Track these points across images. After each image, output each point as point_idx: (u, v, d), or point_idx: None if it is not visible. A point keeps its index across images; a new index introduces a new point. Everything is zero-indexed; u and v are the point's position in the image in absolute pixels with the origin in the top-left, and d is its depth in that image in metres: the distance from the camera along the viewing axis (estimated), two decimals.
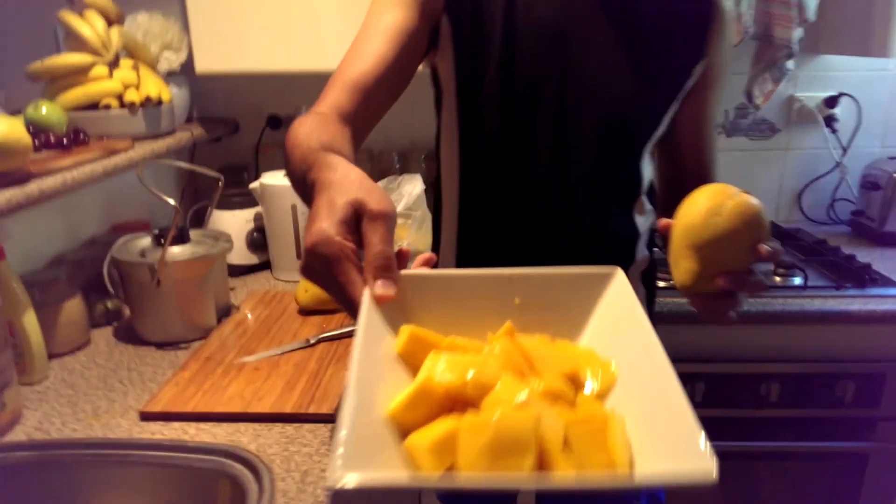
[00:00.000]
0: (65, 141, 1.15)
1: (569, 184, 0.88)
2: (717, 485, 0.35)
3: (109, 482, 0.82)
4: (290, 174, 0.69)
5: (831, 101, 1.72)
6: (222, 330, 1.14)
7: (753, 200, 0.62)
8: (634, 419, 0.43)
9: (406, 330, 0.51)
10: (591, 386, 0.48)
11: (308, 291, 1.19)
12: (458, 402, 0.45)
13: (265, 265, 1.47)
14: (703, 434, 0.38)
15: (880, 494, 1.38)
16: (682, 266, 0.65)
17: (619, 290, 0.54)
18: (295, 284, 1.33)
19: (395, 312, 0.52)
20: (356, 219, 0.52)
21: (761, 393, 1.32)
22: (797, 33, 1.38)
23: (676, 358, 1.22)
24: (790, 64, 1.42)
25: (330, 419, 0.88)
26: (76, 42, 1.34)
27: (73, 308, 1.10)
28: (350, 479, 0.33)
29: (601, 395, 0.48)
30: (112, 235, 1.30)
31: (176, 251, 1.11)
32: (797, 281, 1.38)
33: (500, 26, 0.84)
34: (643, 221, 0.95)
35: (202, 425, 0.87)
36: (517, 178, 0.89)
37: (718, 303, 0.67)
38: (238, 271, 1.45)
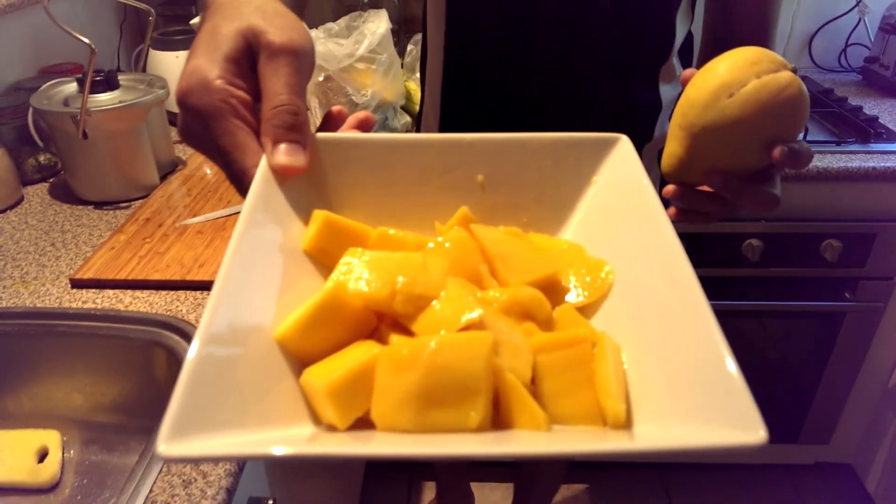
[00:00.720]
0: None
1: (581, 39, 0.72)
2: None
3: (37, 354, 0.77)
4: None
5: None
6: (166, 188, 1.05)
7: (789, 83, 0.46)
8: (635, 347, 0.30)
9: (318, 217, 0.36)
10: (574, 296, 0.35)
11: None
12: (382, 321, 0.32)
13: None
14: (738, 375, 0.25)
15: (853, 353, 1.38)
16: (668, 147, 0.52)
17: (621, 166, 0.38)
18: None
19: (304, 193, 0.37)
20: (250, 56, 0.37)
21: (743, 252, 1.26)
22: None
23: None
24: None
25: None
26: None
27: None
28: (171, 449, 0.22)
29: (589, 311, 0.34)
30: (40, 80, 1.16)
31: (102, 98, 0.98)
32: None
33: None
34: (669, 91, 0.79)
35: (138, 293, 0.81)
36: (517, 28, 0.74)
37: (697, 201, 0.53)
38: None
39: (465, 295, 0.31)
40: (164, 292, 0.81)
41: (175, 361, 0.72)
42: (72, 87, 1.03)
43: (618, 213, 0.37)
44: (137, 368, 0.76)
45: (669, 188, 0.54)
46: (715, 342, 0.25)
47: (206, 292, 0.81)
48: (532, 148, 0.39)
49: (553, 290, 0.34)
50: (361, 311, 0.31)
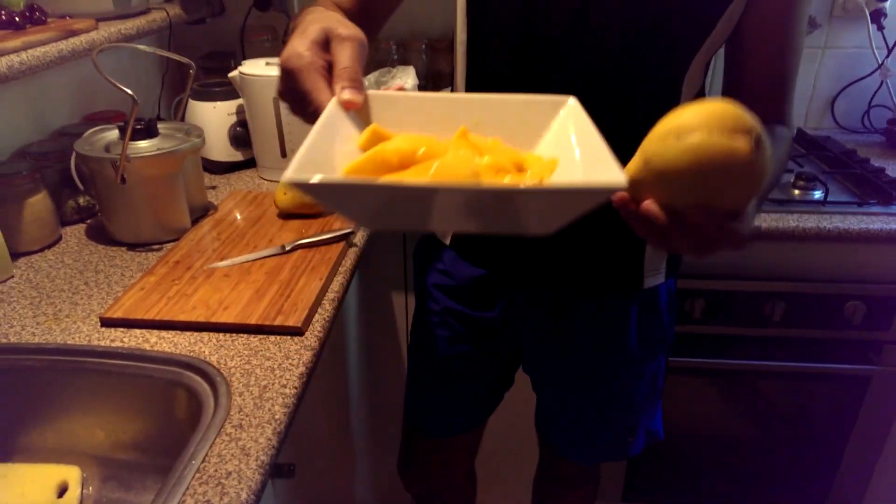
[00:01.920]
0: (17, 19, 1.05)
1: (586, 93, 0.76)
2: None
3: (64, 390, 0.79)
4: None
5: None
6: (196, 232, 1.09)
7: (733, 152, 0.46)
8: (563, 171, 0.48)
9: (369, 128, 0.52)
10: (533, 170, 0.49)
11: (287, 194, 1.12)
12: (407, 166, 0.46)
13: (251, 162, 1.39)
14: (612, 157, 0.43)
15: (879, 418, 1.34)
16: (633, 158, 0.51)
17: (572, 115, 0.52)
18: (278, 184, 1.26)
19: (358, 124, 0.53)
20: (327, 42, 0.55)
21: (765, 312, 1.25)
22: None
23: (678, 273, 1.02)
24: None
25: (297, 332, 0.83)
26: None
27: (39, 204, 1.04)
28: (304, 176, 0.39)
29: (543, 174, 0.49)
30: (84, 126, 1.22)
31: (142, 146, 1.03)
32: (817, 195, 1.27)
33: None
34: None
35: (164, 333, 0.83)
36: (535, 87, 0.77)
37: (632, 221, 0.53)
38: (221, 168, 1.38)
39: (465, 155, 0.47)
40: (188, 333, 0.83)
41: (195, 402, 0.74)
42: (113, 133, 1.08)
43: (568, 144, 0.51)
44: (159, 407, 0.78)
45: (618, 196, 0.51)
46: (606, 153, 0.44)
47: (228, 335, 0.83)
48: (509, 103, 0.55)
49: (520, 168, 0.49)
50: (396, 163, 0.46)
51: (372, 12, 0.82)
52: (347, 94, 0.51)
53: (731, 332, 1.29)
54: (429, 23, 1.61)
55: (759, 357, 1.30)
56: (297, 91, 0.54)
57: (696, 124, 0.47)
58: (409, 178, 0.44)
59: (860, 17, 1.56)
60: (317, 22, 0.56)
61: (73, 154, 1.08)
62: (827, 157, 1.46)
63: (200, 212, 1.15)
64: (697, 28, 0.73)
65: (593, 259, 0.87)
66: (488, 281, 0.93)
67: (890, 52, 1.58)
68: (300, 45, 0.54)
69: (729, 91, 0.80)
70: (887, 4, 1.54)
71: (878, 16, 1.55)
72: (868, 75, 1.62)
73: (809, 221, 1.19)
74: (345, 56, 0.54)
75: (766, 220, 1.19)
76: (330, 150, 0.47)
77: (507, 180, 0.45)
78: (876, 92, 1.64)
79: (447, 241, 0.95)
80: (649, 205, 0.49)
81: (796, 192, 1.30)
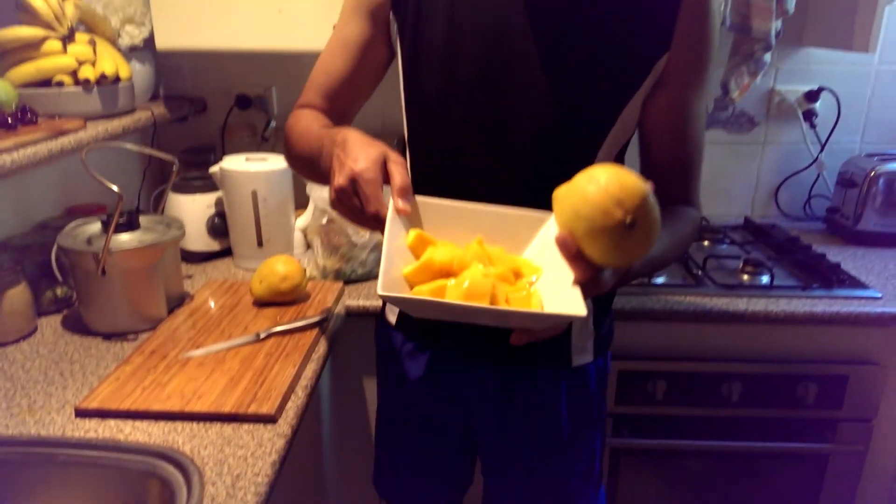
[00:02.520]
0: (10, 120, 1.11)
1: (506, 182, 0.85)
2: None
3: (37, 481, 0.79)
4: (296, 157, 0.90)
5: (812, 96, 1.69)
6: (172, 321, 1.12)
7: (611, 215, 0.61)
8: (548, 294, 0.69)
9: (415, 232, 0.72)
10: (526, 278, 0.72)
11: (263, 282, 1.16)
12: (446, 273, 0.69)
13: (227, 252, 1.44)
14: (580, 295, 0.64)
15: (840, 495, 1.38)
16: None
17: (551, 226, 0.72)
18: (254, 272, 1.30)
19: (404, 223, 0.72)
20: (384, 162, 0.71)
21: (723, 393, 1.31)
22: (775, 25, 1.34)
23: (638, 355, 1.21)
24: (767, 57, 1.39)
25: (270, 419, 0.86)
26: (28, 14, 1.28)
27: (17, 296, 1.07)
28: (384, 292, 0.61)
29: (531, 282, 0.71)
30: (66, 219, 1.26)
31: (123, 238, 1.08)
32: (764, 280, 1.36)
33: (443, 25, 0.82)
34: None
35: (138, 423, 0.85)
36: (457, 177, 0.87)
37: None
38: (198, 258, 1.42)
39: (482, 268, 0.70)
40: (163, 423, 0.85)
41: (168, 492, 0.75)
42: (95, 226, 1.13)
43: (548, 250, 0.70)
44: (132, 498, 0.78)
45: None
46: (577, 294, 0.64)
47: (202, 423, 0.85)
48: (509, 216, 0.76)
49: (517, 273, 0.72)
50: (438, 268, 0.69)
51: (340, 112, 0.94)
52: (403, 205, 0.70)
53: (691, 413, 1.33)
54: (399, 119, 1.72)
55: (720, 437, 1.34)
56: (361, 195, 0.70)
57: (602, 177, 0.62)
58: (452, 291, 0.66)
59: (794, 116, 1.72)
60: (373, 143, 0.73)
61: (55, 246, 1.12)
62: (773, 244, 1.56)
63: (177, 301, 1.19)
64: (597, 127, 0.84)
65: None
66: (433, 359, 0.97)
67: (823, 148, 1.73)
68: (378, 155, 0.71)
69: (644, 168, 0.91)
70: (817, 105, 1.70)
71: (809, 115, 1.71)
72: (805, 168, 1.75)
73: (758, 305, 1.27)
74: (401, 175, 0.70)
75: (719, 304, 1.27)
76: (392, 253, 0.68)
77: (510, 295, 0.68)
78: (814, 183, 1.77)
79: (393, 321, 1.00)
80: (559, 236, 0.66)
81: (745, 277, 1.38)
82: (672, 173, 0.88)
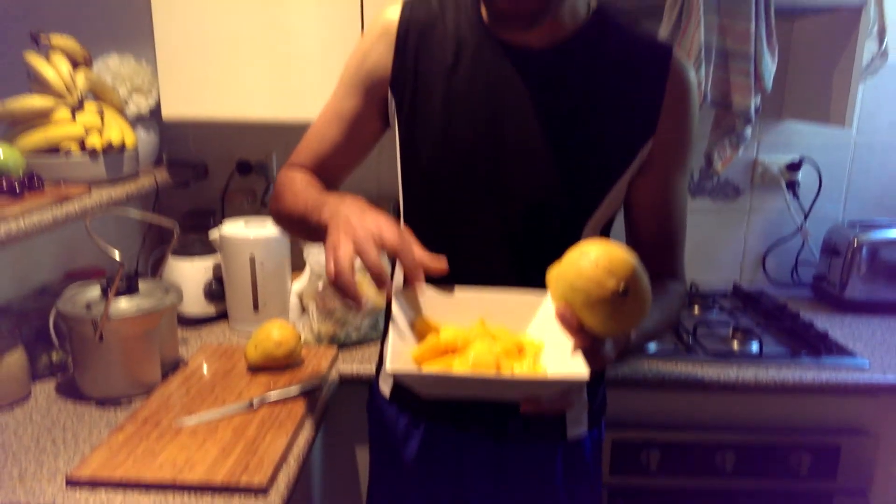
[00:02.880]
0: (17, 187, 1.14)
1: (498, 254, 0.88)
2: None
3: None
4: (287, 215, 0.90)
5: (794, 166, 1.75)
6: (166, 387, 1.12)
7: (600, 291, 0.65)
8: (551, 365, 0.71)
9: (420, 318, 0.76)
10: (530, 353, 0.73)
11: (258, 348, 1.17)
12: (452, 351, 0.71)
13: (223, 316, 1.45)
14: (582, 359, 0.67)
15: None
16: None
17: (549, 304, 0.74)
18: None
19: (410, 307, 0.76)
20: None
21: (717, 463, 1.30)
22: (755, 101, 1.40)
23: (631, 424, 1.22)
24: (748, 131, 1.45)
25: (262, 490, 0.85)
26: (40, 84, 1.34)
27: (13, 362, 1.07)
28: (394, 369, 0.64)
29: (535, 356, 0.73)
30: (65, 283, 1.28)
31: (122, 304, 1.09)
32: (754, 348, 1.38)
33: (439, 104, 0.86)
34: None
35: (130, 493, 0.85)
36: (451, 247, 0.89)
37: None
38: (194, 322, 1.43)
39: (486, 344, 0.71)
40: (154, 493, 0.85)
41: None
42: (95, 291, 1.15)
43: (548, 326, 0.73)
44: None
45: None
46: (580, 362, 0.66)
47: (194, 493, 0.85)
48: (509, 300, 0.78)
49: (521, 349, 0.74)
50: (445, 347, 0.71)
51: (330, 178, 0.97)
52: (419, 286, 0.72)
53: (686, 485, 1.32)
54: (395, 184, 1.77)
55: None
56: (368, 263, 0.70)
57: (593, 252, 0.66)
58: (458, 366, 0.68)
59: (777, 185, 1.77)
60: (388, 226, 0.73)
61: (54, 311, 1.14)
62: (761, 311, 1.59)
63: (171, 366, 1.19)
64: (585, 205, 0.87)
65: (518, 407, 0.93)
66: (427, 434, 0.97)
67: (806, 216, 1.78)
68: (392, 232, 0.72)
69: (630, 245, 0.93)
70: (799, 175, 1.76)
71: (792, 185, 1.76)
72: (791, 236, 1.80)
73: (748, 373, 1.28)
74: (413, 254, 0.72)
75: (710, 372, 1.28)
76: (397, 334, 0.71)
77: (515, 368, 0.70)
78: (800, 250, 1.81)
79: (387, 394, 1.00)
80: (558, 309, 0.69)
81: (735, 344, 1.40)
82: (657, 248, 0.92)
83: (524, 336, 0.76)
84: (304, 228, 0.86)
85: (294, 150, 0.98)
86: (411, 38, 0.87)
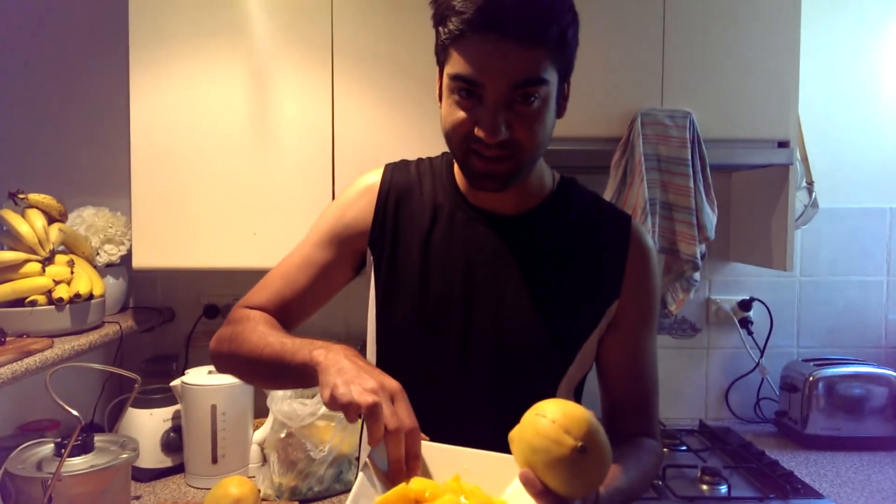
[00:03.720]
0: None
1: (472, 412, 0.89)
2: None
3: None
4: (247, 355, 0.86)
5: (745, 304, 1.84)
6: None
7: (561, 444, 0.65)
8: None
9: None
10: None
11: None
12: (420, 502, 0.68)
13: (179, 468, 1.40)
14: None
15: None
16: None
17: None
18: (206, 492, 1.26)
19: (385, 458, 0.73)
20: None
21: None
22: (700, 249, 1.50)
23: None
24: (697, 276, 1.53)
25: None
26: (13, 239, 1.37)
27: None
28: None
29: None
30: (16, 439, 1.24)
31: (76, 462, 1.06)
32: (722, 490, 1.37)
33: (416, 265, 0.90)
34: None
35: None
36: (424, 402, 0.90)
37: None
38: (148, 476, 1.38)
39: (455, 498, 0.68)
40: None
41: None
42: (48, 448, 1.11)
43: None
44: None
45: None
46: None
47: None
48: (490, 457, 0.75)
49: None
50: (413, 496, 0.67)
51: (288, 321, 0.95)
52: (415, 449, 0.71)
53: None
54: (362, 326, 1.79)
55: None
56: (401, 410, 0.70)
57: (549, 411, 0.67)
58: None
59: (731, 323, 1.85)
60: (391, 382, 0.73)
61: (2, 470, 1.09)
62: (728, 451, 1.59)
63: None
64: (557, 363, 0.90)
65: None
66: None
67: (762, 353, 1.84)
68: (399, 387, 0.72)
69: (605, 405, 0.96)
70: (751, 314, 1.84)
71: (745, 322, 1.84)
72: (749, 372, 1.85)
73: None
74: (402, 411, 0.71)
75: None
76: (370, 480, 0.69)
77: None
78: (760, 385, 1.85)
79: None
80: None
81: (704, 487, 1.39)
82: (631, 409, 0.94)
83: (498, 499, 0.73)
84: (271, 369, 0.84)
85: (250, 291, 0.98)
86: (391, 200, 0.93)
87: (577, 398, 0.96)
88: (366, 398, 0.68)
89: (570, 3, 0.80)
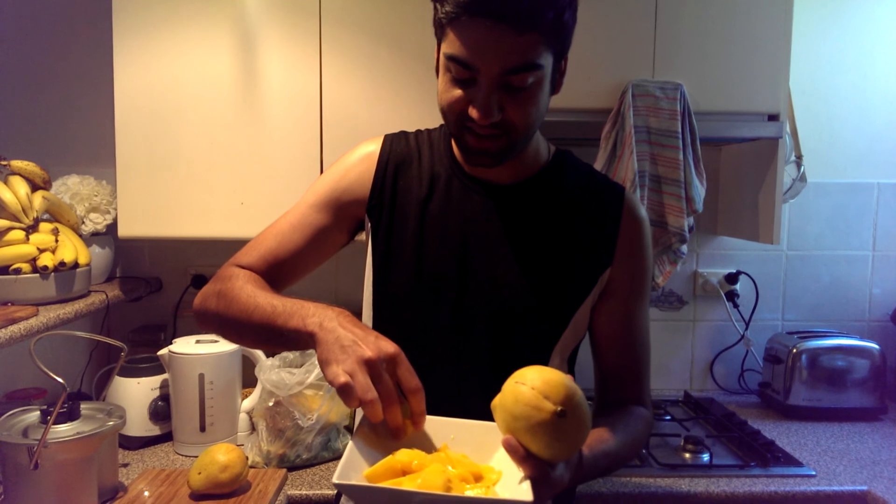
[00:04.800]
0: None
1: (466, 378, 0.90)
2: None
3: None
4: (236, 316, 0.84)
5: (731, 278, 1.85)
6: None
7: (535, 412, 0.66)
8: (505, 494, 0.69)
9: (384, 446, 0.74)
10: (487, 482, 0.72)
11: (202, 473, 1.13)
12: (407, 472, 0.69)
13: (167, 436, 1.41)
14: (530, 486, 0.66)
15: None
16: None
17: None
18: (194, 460, 1.27)
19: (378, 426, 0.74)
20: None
21: None
22: (688, 222, 1.50)
23: None
24: (684, 248, 1.54)
25: None
26: None
27: None
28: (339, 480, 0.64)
29: (491, 485, 0.71)
30: (5, 405, 1.24)
31: (61, 429, 1.06)
32: (704, 458, 1.39)
33: (413, 232, 0.91)
34: None
35: None
36: (419, 369, 0.89)
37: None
38: (137, 444, 1.38)
39: (441, 467, 0.69)
40: None
41: None
42: (34, 415, 1.11)
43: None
44: None
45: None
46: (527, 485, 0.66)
47: None
48: (477, 426, 0.77)
49: (477, 476, 0.71)
50: (399, 468, 0.69)
51: (278, 282, 0.94)
52: (417, 407, 0.72)
53: None
54: (352, 297, 1.79)
55: None
56: (399, 373, 0.71)
57: (528, 378, 0.69)
58: (406, 484, 0.67)
59: (718, 296, 1.86)
60: (390, 346, 0.73)
61: None
62: (711, 420, 1.62)
63: (110, 494, 1.14)
64: (550, 329, 0.91)
65: None
66: None
67: (747, 325, 1.86)
68: (398, 350, 0.73)
69: (597, 373, 0.97)
70: (737, 287, 1.85)
71: (731, 296, 1.85)
72: (734, 344, 1.87)
73: (699, 485, 1.29)
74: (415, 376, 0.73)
75: (662, 485, 1.29)
76: (357, 449, 0.70)
77: (468, 491, 0.68)
78: (745, 358, 1.88)
79: None
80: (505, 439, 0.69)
81: (686, 455, 1.42)
82: (623, 378, 0.95)
83: (485, 466, 0.75)
84: (260, 332, 0.82)
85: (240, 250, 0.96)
86: (390, 168, 0.94)
87: (571, 367, 0.98)
88: (365, 394, 0.68)
89: None
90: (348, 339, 0.71)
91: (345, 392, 0.67)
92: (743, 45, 1.49)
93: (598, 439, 0.81)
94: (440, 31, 0.82)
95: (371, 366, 0.69)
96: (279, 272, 0.94)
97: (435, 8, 0.81)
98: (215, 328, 0.91)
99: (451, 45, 0.79)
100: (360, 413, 0.95)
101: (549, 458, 0.69)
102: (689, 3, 1.48)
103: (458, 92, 0.81)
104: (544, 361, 0.91)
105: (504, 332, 0.90)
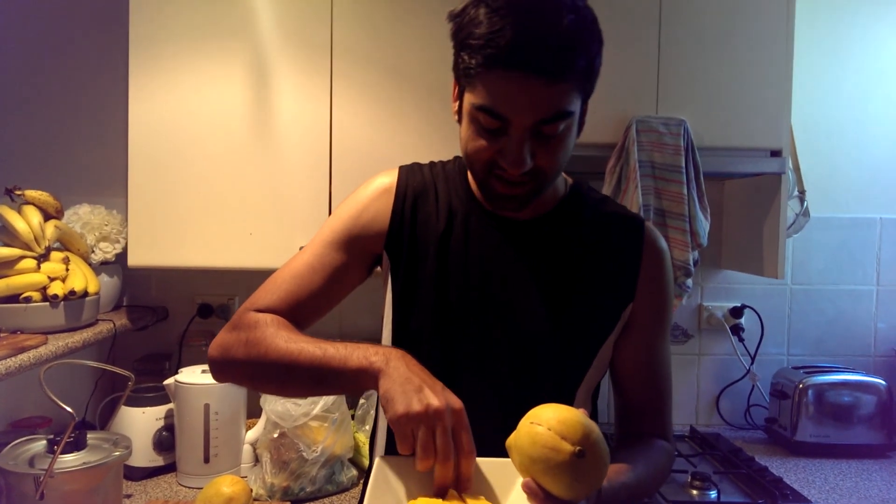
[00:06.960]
0: None
1: (490, 417, 0.85)
2: None
3: None
4: (274, 361, 0.82)
5: (736, 312, 1.85)
6: None
7: (552, 454, 0.65)
8: None
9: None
10: None
11: None
12: None
13: (171, 467, 1.40)
14: None
15: None
16: None
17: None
18: (198, 491, 1.26)
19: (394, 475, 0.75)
20: None
21: None
22: (693, 255, 1.51)
23: None
24: (689, 282, 1.55)
25: None
26: (9, 235, 1.37)
27: None
28: None
29: None
30: (8, 435, 1.24)
31: (68, 459, 1.06)
32: (712, 495, 1.38)
33: (433, 269, 0.90)
34: None
35: None
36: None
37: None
38: (140, 474, 1.38)
39: None
40: None
41: None
42: (40, 444, 1.11)
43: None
44: None
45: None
46: None
47: None
48: (493, 463, 0.76)
49: None
50: None
51: (298, 323, 0.91)
52: (466, 473, 0.71)
53: None
54: (360, 328, 1.79)
55: None
56: (459, 428, 0.71)
57: (544, 418, 0.67)
58: None
59: (723, 329, 1.86)
60: (455, 400, 0.73)
61: None
62: (717, 456, 1.60)
63: None
64: (576, 368, 0.90)
65: None
66: None
67: (753, 360, 1.85)
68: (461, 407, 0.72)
69: (618, 408, 0.96)
70: (742, 321, 1.85)
71: (736, 329, 1.85)
72: (740, 379, 1.86)
73: None
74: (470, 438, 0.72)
75: None
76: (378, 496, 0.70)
77: None
78: (751, 392, 1.87)
79: None
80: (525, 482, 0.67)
81: (694, 492, 1.40)
82: (645, 411, 0.94)
83: None
84: (311, 375, 0.81)
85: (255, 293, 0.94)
86: (408, 202, 0.92)
87: (594, 403, 0.96)
88: (425, 446, 0.68)
89: (598, 29, 0.78)
90: (415, 382, 0.72)
91: (403, 437, 0.68)
92: (745, 81, 1.52)
93: (617, 471, 0.80)
94: (465, 79, 0.79)
95: (437, 417, 0.69)
96: (301, 314, 0.91)
97: (460, 57, 0.79)
98: (244, 379, 0.89)
99: (479, 96, 0.77)
100: (379, 441, 0.95)
101: (569, 499, 0.67)
102: (692, 40, 1.51)
103: (484, 142, 0.79)
104: (569, 399, 0.90)
105: (528, 369, 0.88)
